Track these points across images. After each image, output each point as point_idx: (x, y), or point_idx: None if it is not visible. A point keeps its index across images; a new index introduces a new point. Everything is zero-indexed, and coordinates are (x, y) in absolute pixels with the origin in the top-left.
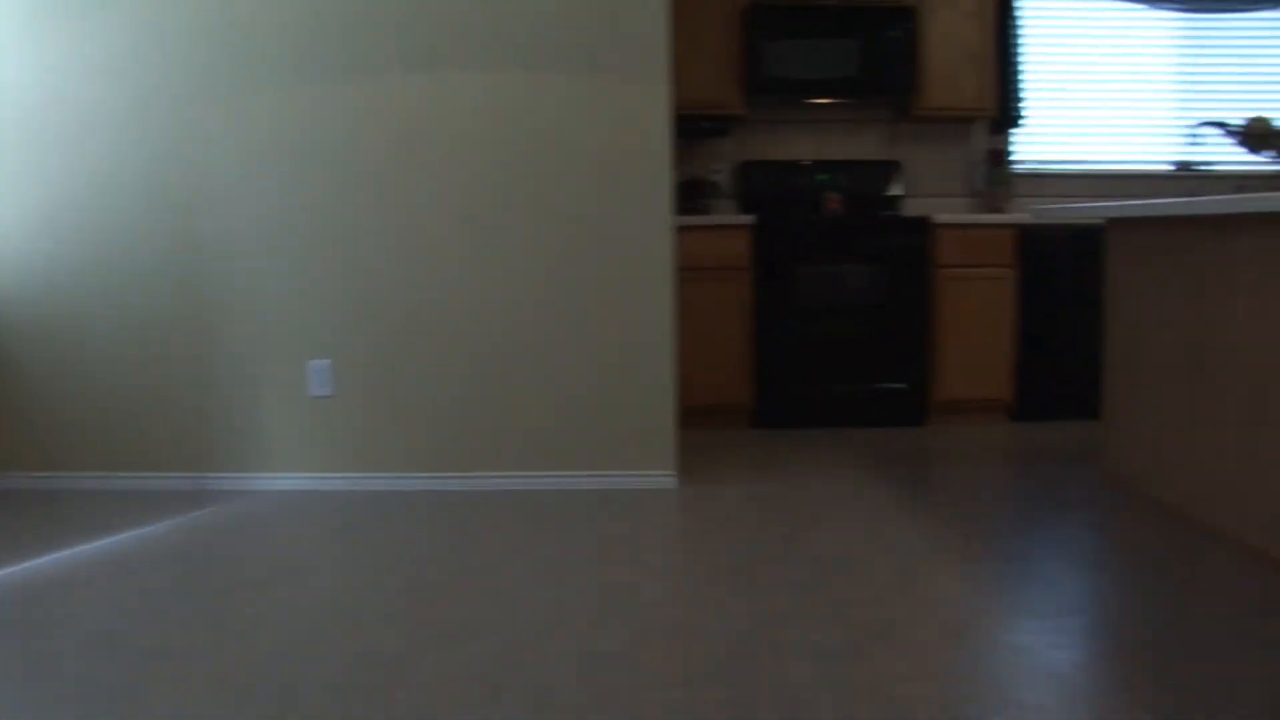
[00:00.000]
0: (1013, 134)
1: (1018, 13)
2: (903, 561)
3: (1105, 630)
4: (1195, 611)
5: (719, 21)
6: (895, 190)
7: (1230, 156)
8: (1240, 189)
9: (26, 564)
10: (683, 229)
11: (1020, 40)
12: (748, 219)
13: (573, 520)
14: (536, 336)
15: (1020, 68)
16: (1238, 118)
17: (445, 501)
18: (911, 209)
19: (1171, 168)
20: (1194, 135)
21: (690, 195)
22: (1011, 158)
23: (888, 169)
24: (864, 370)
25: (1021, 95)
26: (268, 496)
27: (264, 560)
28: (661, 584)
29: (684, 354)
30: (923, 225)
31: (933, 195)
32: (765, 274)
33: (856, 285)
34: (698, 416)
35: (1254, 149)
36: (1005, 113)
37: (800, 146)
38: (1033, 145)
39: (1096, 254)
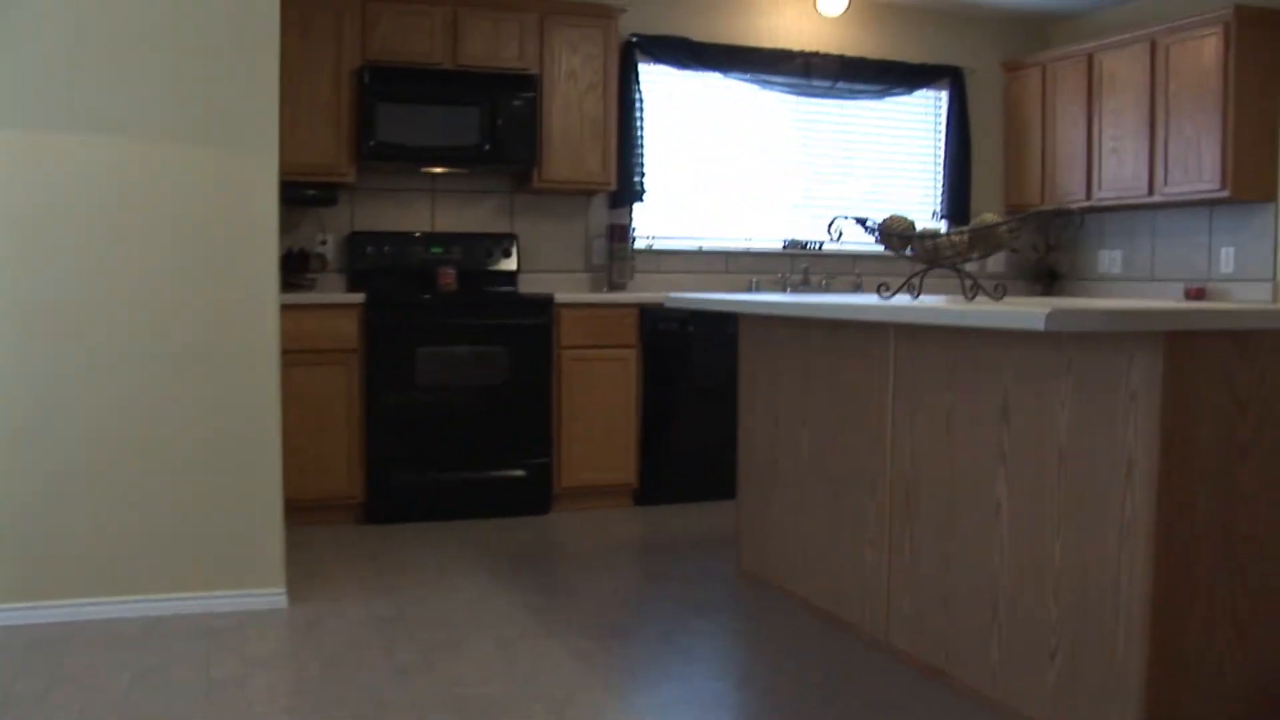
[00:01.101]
0: (633, 209)
1: (639, 88)
2: (553, 693)
3: None
4: None
5: (329, 82)
6: (511, 265)
7: (848, 240)
8: (884, 286)
9: None
10: (286, 308)
11: (642, 116)
12: (357, 297)
13: (170, 660)
14: (119, 434)
15: (642, 143)
16: (871, 213)
17: (5, 642)
18: (529, 284)
19: (783, 246)
20: (833, 229)
21: (293, 268)
22: (632, 233)
23: (504, 242)
24: (484, 457)
25: (643, 171)
26: None
27: None
28: None
29: (287, 445)
30: (544, 304)
31: (551, 270)
32: (377, 356)
33: (475, 367)
34: (302, 513)
35: (893, 248)
36: (626, 188)
37: (413, 217)
38: (653, 221)
39: (718, 334)
